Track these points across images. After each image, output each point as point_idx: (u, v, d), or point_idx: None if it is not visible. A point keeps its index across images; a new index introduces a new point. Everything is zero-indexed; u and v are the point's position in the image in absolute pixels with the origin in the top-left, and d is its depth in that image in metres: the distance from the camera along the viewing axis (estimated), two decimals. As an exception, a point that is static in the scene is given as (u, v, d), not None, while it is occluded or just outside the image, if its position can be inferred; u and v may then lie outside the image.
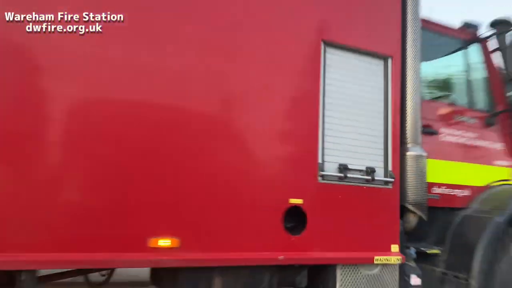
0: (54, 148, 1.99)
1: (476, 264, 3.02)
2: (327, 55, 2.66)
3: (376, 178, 2.73)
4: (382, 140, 2.84)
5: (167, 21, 2.23)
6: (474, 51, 3.76)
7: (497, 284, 3.06)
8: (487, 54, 3.77)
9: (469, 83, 3.69)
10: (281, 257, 2.40)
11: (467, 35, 3.75)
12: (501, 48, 3.76)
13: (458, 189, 3.39)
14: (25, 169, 1.91)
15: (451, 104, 3.57)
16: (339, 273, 2.64)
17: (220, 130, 2.32)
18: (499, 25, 3.79)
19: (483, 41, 3.78)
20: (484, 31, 3.80)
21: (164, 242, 2.12)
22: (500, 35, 3.76)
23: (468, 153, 3.49)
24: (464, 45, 3.71)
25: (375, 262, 2.69)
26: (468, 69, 3.71)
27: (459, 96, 3.67)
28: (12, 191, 1.88)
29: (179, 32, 2.26)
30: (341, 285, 2.63)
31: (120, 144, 2.09)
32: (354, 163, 2.68)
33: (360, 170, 2.70)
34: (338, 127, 2.67)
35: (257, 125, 2.41)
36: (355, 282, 2.69)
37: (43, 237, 1.91)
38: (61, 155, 2.00)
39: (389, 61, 2.88)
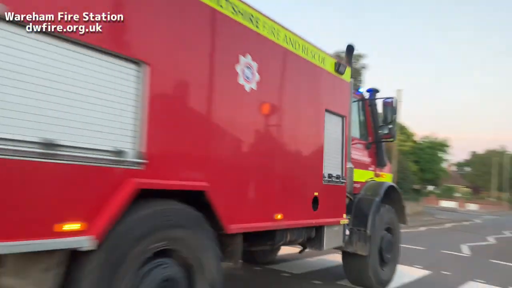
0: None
1: (369, 222, 5.89)
2: (326, 117, 5.06)
3: (341, 180, 5.30)
4: (341, 159, 5.42)
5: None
6: (361, 105, 6.71)
7: (376, 230, 6.03)
8: (366, 108, 6.77)
9: (360, 124, 6.62)
10: (314, 221, 4.75)
11: (358, 95, 6.66)
12: (371, 105, 6.83)
13: (356, 183, 6.25)
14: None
15: (354, 137, 6.42)
16: (325, 229, 5.12)
17: (297, 161, 4.52)
18: (371, 92, 6.85)
19: (364, 100, 6.76)
20: (365, 94, 6.80)
21: (279, 216, 4.20)
22: (371, 98, 6.82)
23: (359, 164, 6.40)
24: (357, 101, 6.61)
25: (340, 223, 5.29)
26: (359, 115, 6.64)
27: (357, 131, 6.55)
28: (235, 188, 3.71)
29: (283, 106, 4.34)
30: (327, 236, 5.12)
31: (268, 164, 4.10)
32: (333, 173, 5.18)
33: (335, 176, 5.22)
34: (329, 154, 5.11)
35: (307, 157, 4.68)
36: (331, 234, 5.21)
37: (250, 212, 3.80)
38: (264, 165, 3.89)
39: (344, 118, 5.47)
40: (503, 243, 15.41)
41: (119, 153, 2.76)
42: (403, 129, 33.61)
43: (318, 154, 4.91)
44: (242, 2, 3.80)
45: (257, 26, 3.98)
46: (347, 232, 5.65)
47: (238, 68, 3.73)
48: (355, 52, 24.17)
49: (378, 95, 6.82)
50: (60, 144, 2.43)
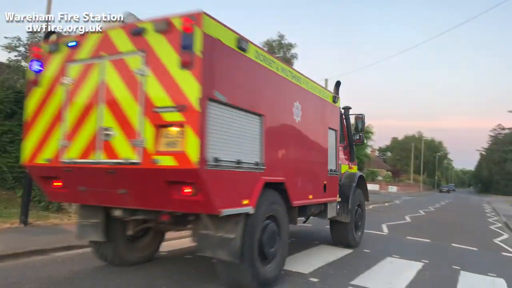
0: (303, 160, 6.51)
1: (350, 200, 8.76)
2: (328, 132, 7.82)
3: (335, 172, 8.11)
4: (335, 158, 8.21)
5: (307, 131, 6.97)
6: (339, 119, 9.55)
7: (353, 205, 8.95)
8: (343, 120, 9.63)
9: (342, 132, 9.48)
10: (324, 199, 7.52)
11: (337, 113, 9.50)
12: (346, 118, 9.73)
13: (341, 174, 9.11)
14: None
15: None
16: (328, 205, 7.91)
17: (317, 162, 7.25)
18: (344, 109, 9.75)
19: (342, 115, 9.62)
20: (341, 109, 9.66)
21: (310, 196, 6.91)
22: (345, 113, 9.71)
23: (341, 160, 9.26)
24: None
25: (336, 200, 8.12)
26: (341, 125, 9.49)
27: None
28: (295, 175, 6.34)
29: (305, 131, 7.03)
30: (329, 210, 7.93)
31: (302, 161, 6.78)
32: (332, 168, 7.96)
33: (333, 170, 8.01)
34: (329, 155, 7.87)
35: (321, 158, 7.43)
36: (331, 208, 8.03)
37: (300, 194, 6.46)
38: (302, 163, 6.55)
39: (337, 131, 8.27)
40: (418, 221, 17.46)
41: (257, 164, 5.30)
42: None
43: (325, 156, 7.67)
44: (297, 71, 6.43)
45: (300, 82, 6.62)
46: (338, 207, 8.49)
47: (293, 110, 6.35)
48: (285, 42, 27.72)
49: (350, 111, 9.75)
50: (241, 161, 4.94)
